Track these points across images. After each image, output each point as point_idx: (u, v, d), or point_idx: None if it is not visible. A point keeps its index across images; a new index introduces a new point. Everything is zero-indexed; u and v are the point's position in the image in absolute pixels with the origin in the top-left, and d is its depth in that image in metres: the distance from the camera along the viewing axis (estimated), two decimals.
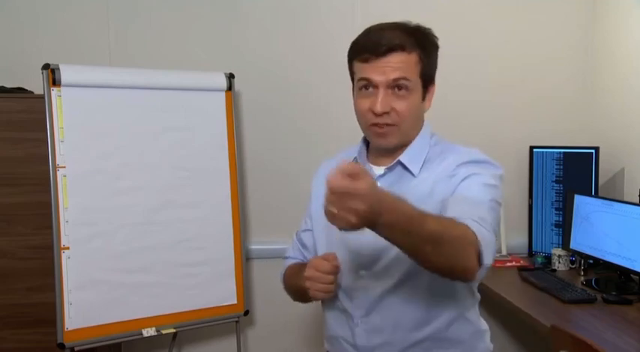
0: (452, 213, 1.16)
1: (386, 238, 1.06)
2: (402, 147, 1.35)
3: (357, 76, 1.32)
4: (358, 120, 1.36)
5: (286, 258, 1.57)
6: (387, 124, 1.29)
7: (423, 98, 1.34)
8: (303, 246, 1.52)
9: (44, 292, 2.27)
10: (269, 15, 2.75)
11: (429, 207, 1.24)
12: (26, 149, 2.31)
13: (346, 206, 0.95)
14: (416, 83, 1.30)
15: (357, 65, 1.31)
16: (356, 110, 1.34)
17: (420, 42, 1.30)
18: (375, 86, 1.27)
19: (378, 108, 1.26)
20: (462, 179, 1.26)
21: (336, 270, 1.27)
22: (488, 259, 1.14)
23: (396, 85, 1.27)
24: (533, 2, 2.81)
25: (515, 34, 2.81)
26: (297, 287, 1.41)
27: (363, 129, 1.36)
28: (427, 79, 1.33)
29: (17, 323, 2.33)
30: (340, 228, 0.99)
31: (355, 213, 0.95)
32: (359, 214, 0.95)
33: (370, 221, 0.98)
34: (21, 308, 2.33)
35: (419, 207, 1.07)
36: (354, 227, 0.98)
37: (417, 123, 1.37)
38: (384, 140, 1.32)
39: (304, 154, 2.67)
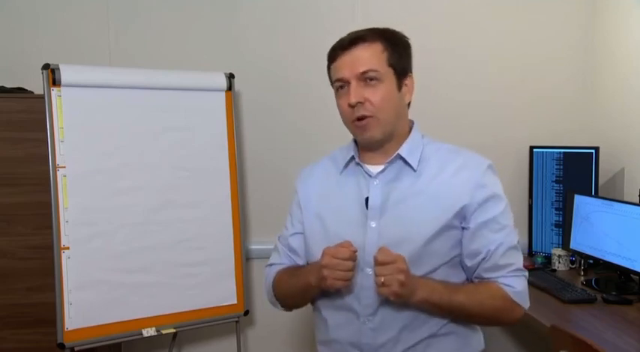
0: (489, 265, 1.34)
1: (426, 309, 1.30)
2: (388, 141, 1.38)
3: (333, 80, 1.40)
4: (343, 122, 1.41)
5: (270, 265, 1.55)
6: (365, 116, 1.33)
7: (400, 89, 1.37)
8: (292, 250, 1.50)
9: (44, 292, 2.27)
10: (269, 15, 2.75)
11: (439, 207, 1.33)
12: (26, 149, 2.31)
13: (392, 275, 1.22)
14: (386, 72, 1.35)
15: (331, 68, 1.40)
16: (339, 111, 1.40)
17: (382, 33, 1.38)
18: (347, 82, 1.34)
19: (351, 99, 1.33)
20: (484, 201, 1.34)
21: (354, 256, 1.28)
22: (526, 304, 1.37)
23: (366, 78, 1.33)
24: (533, 2, 2.81)
25: (515, 34, 2.81)
26: (299, 286, 1.41)
27: (349, 129, 1.41)
28: (399, 70, 1.37)
29: (17, 323, 2.33)
30: (385, 297, 1.26)
31: (398, 282, 1.22)
32: (401, 283, 1.22)
33: (407, 294, 1.25)
34: (21, 308, 2.33)
35: (447, 283, 1.32)
36: (397, 296, 1.24)
37: (399, 115, 1.39)
38: (365, 133, 1.36)
39: (304, 154, 2.66)
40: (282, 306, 1.54)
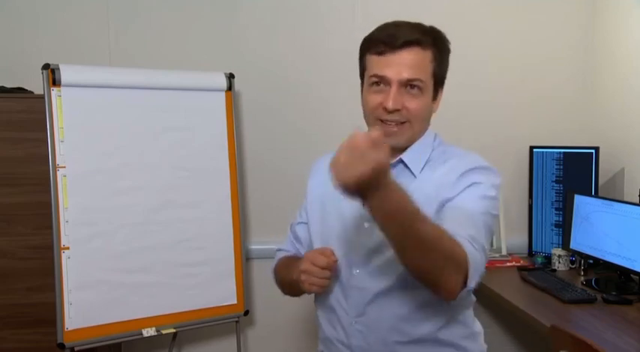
0: (445, 226, 1.16)
1: (379, 223, 1.07)
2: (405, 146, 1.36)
3: (369, 72, 1.32)
4: (366, 116, 1.35)
5: (279, 250, 1.57)
6: (398, 122, 1.28)
7: (434, 99, 1.35)
8: (297, 238, 1.52)
9: (44, 292, 2.27)
10: (269, 15, 2.75)
11: (429, 210, 1.25)
12: (26, 149, 2.31)
13: (354, 161, 0.97)
14: (428, 83, 1.30)
15: (371, 59, 1.31)
16: (365, 105, 1.34)
17: (435, 41, 1.31)
18: (388, 83, 1.27)
19: (390, 105, 1.26)
20: (463, 189, 1.26)
21: (332, 265, 1.27)
22: (473, 283, 1.16)
23: (408, 85, 1.27)
24: (533, 2, 2.81)
25: (515, 34, 2.81)
26: (288, 279, 1.40)
27: (370, 125, 1.34)
28: (438, 81, 1.34)
29: (17, 323, 2.33)
30: (336, 184, 1.01)
31: (358, 173, 0.97)
32: (360, 177, 0.97)
33: (365, 188, 1.00)
34: (21, 308, 2.33)
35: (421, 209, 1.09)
36: (349, 187, 1.00)
37: (425, 125, 1.37)
38: (392, 139, 1.29)
39: (304, 154, 2.65)
40: (284, 293, 1.52)
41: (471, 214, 1.22)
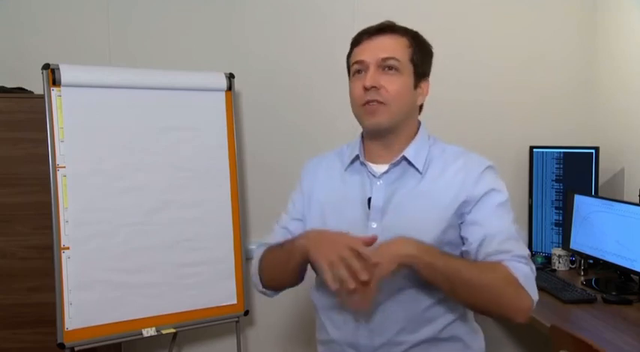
0: (489, 250, 1.26)
1: (424, 278, 1.22)
2: (394, 134, 1.37)
3: (351, 63, 1.38)
4: (352, 108, 1.39)
5: (263, 244, 1.49)
6: (377, 101, 1.31)
7: (415, 87, 1.37)
8: (291, 234, 1.45)
9: (44, 292, 2.27)
10: (269, 15, 2.75)
11: (441, 209, 1.31)
12: (26, 149, 2.31)
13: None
14: (406, 66, 1.34)
15: (352, 52, 1.39)
16: (350, 96, 1.38)
17: (411, 33, 1.38)
18: (367, 66, 1.33)
19: (367, 82, 1.31)
20: (482, 195, 1.31)
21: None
22: (534, 293, 1.25)
23: (386, 65, 1.32)
24: (533, 2, 2.81)
25: (516, 34, 2.81)
26: (284, 257, 1.34)
27: (356, 114, 1.38)
28: (419, 70, 1.36)
29: (17, 323, 2.33)
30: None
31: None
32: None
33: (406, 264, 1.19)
34: (21, 308, 2.33)
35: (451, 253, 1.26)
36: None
37: (409, 113, 1.38)
38: (373, 118, 1.33)
39: (304, 154, 2.65)
40: (263, 287, 1.46)
41: (507, 234, 1.29)
